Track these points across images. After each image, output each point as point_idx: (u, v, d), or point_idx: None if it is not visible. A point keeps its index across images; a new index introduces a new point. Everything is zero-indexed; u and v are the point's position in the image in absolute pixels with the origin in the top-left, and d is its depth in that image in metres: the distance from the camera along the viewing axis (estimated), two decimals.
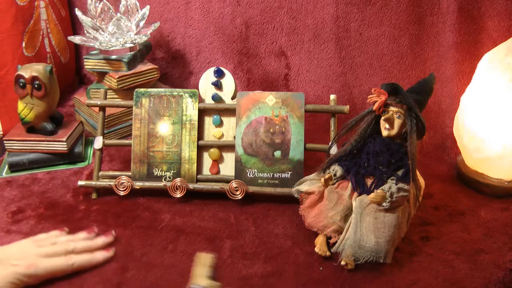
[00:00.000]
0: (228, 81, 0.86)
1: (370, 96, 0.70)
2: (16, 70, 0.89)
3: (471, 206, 0.82)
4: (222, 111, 0.86)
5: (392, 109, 0.69)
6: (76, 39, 1.03)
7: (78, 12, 1.01)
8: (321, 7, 1.14)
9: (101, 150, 0.86)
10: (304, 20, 1.16)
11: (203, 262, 0.59)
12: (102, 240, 0.70)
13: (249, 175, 0.82)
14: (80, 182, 0.84)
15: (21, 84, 0.88)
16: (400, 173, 0.68)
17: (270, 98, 0.83)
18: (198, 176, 0.84)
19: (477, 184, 0.86)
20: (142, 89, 0.86)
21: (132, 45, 1.04)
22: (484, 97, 0.82)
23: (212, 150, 0.85)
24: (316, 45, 1.16)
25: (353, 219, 0.67)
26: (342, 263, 0.66)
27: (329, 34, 1.15)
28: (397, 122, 0.69)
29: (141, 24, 1.06)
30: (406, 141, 0.68)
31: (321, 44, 1.16)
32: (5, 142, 0.92)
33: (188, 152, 0.84)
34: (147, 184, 0.83)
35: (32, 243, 0.66)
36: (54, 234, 0.71)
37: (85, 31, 1.04)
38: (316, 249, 0.69)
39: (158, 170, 0.84)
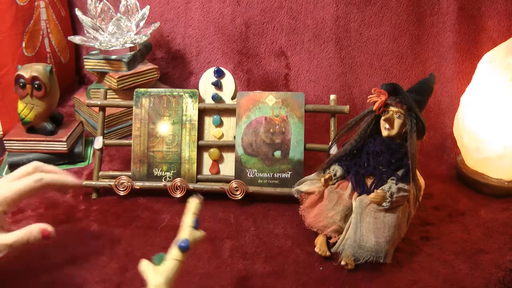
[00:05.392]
0: (228, 81, 0.86)
1: (370, 96, 0.70)
2: (16, 70, 0.89)
3: (471, 206, 0.82)
4: (222, 111, 0.86)
5: (392, 109, 0.69)
6: (76, 39, 1.03)
7: (78, 12, 1.01)
8: (321, 7, 1.14)
9: (101, 150, 0.86)
10: (304, 20, 1.16)
11: (192, 210, 0.57)
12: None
13: (249, 175, 0.82)
14: None
15: (21, 84, 0.88)
16: (400, 173, 0.68)
17: (270, 98, 0.83)
18: (198, 176, 0.84)
19: (477, 184, 0.86)
20: (142, 89, 0.86)
21: (132, 45, 1.04)
22: (484, 97, 0.82)
23: (212, 150, 0.85)
24: (316, 45, 1.16)
25: (353, 219, 0.67)
26: (342, 263, 0.66)
27: (329, 34, 1.15)
28: (397, 122, 0.69)
29: (141, 24, 1.06)
30: (406, 141, 0.68)
31: (321, 44, 1.16)
32: (5, 142, 0.92)
33: (188, 152, 0.84)
34: (147, 184, 0.83)
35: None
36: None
37: (85, 31, 1.04)
38: (316, 249, 0.69)
39: (158, 170, 0.84)
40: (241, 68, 1.21)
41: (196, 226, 0.55)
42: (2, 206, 0.60)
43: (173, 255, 0.52)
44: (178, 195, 0.82)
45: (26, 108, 0.89)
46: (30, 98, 0.89)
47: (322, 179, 0.72)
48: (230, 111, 0.85)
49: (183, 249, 0.52)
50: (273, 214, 0.80)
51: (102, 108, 0.87)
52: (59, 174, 0.66)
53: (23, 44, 1.06)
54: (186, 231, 0.54)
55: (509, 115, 0.80)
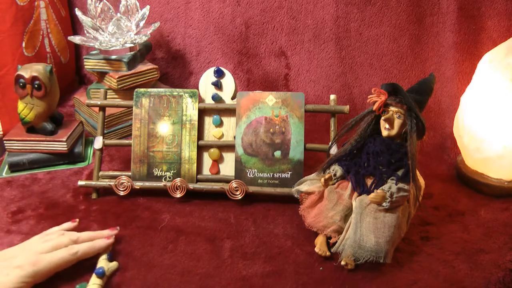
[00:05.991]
0: (228, 81, 0.86)
1: (370, 96, 0.70)
2: (16, 70, 0.89)
3: (471, 206, 0.82)
4: (222, 111, 0.86)
5: (392, 109, 0.69)
6: (76, 39, 1.03)
7: (78, 12, 1.01)
8: (321, 7, 1.14)
9: (101, 150, 0.86)
10: (304, 20, 1.16)
11: (104, 248, 0.68)
12: (106, 231, 0.71)
13: (249, 175, 0.82)
14: (80, 182, 0.84)
15: (21, 84, 0.88)
16: (400, 173, 0.68)
17: (270, 98, 0.83)
18: (198, 176, 0.84)
19: (477, 184, 0.86)
20: (142, 89, 0.86)
21: (132, 45, 1.04)
22: (484, 97, 0.82)
23: (212, 150, 0.85)
24: (316, 45, 1.16)
25: (353, 219, 0.67)
26: (342, 263, 0.66)
27: (329, 34, 1.15)
28: (397, 122, 0.69)
29: (141, 24, 1.06)
30: (406, 141, 0.68)
31: (321, 44, 1.16)
32: (5, 142, 0.92)
33: (188, 152, 0.84)
34: (147, 184, 0.83)
35: (39, 239, 0.66)
36: (65, 226, 0.71)
37: (85, 31, 1.04)
38: (316, 249, 0.69)
39: (158, 170, 0.84)
40: (241, 68, 1.21)
41: (110, 258, 0.67)
42: (33, 278, 0.60)
43: (93, 281, 0.63)
44: (178, 195, 0.82)
45: (26, 108, 0.89)
46: (30, 98, 0.89)
47: (322, 179, 0.72)
48: (230, 111, 0.85)
49: (100, 274, 0.63)
50: (273, 214, 0.80)
51: (102, 108, 0.87)
52: (92, 242, 0.67)
53: (23, 44, 1.06)
54: (102, 262, 0.66)
55: (509, 115, 0.80)
